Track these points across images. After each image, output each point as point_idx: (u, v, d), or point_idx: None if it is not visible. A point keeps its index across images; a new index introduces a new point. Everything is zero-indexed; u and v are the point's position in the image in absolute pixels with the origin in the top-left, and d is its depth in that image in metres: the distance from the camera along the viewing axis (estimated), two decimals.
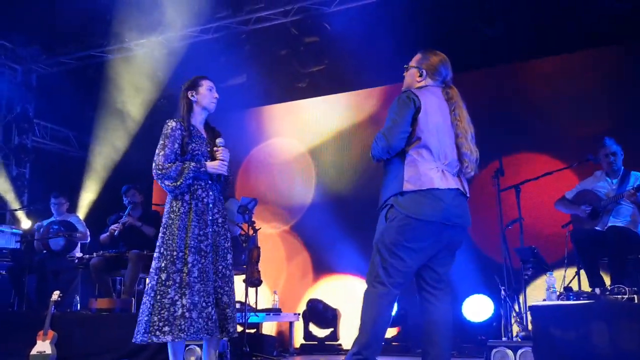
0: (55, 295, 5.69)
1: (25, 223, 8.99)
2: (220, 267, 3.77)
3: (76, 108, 9.70)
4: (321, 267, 8.33)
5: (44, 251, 6.82)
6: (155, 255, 3.68)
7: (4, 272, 7.01)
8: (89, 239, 7.12)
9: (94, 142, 9.75)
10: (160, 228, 3.71)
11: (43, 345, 5.41)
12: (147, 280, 3.71)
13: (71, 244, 6.89)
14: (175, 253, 3.62)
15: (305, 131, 8.72)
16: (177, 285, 3.56)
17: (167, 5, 8.00)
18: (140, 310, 3.62)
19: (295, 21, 8.04)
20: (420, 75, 3.44)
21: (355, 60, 7.51)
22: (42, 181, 9.52)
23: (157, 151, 3.75)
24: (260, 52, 8.50)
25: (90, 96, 9.31)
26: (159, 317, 3.51)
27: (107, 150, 9.68)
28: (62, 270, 6.80)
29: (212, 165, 3.74)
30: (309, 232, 8.38)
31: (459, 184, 3.24)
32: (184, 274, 3.59)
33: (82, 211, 9.42)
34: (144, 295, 3.64)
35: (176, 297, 3.54)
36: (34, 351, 5.39)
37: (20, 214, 9.15)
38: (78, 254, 6.96)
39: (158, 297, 3.55)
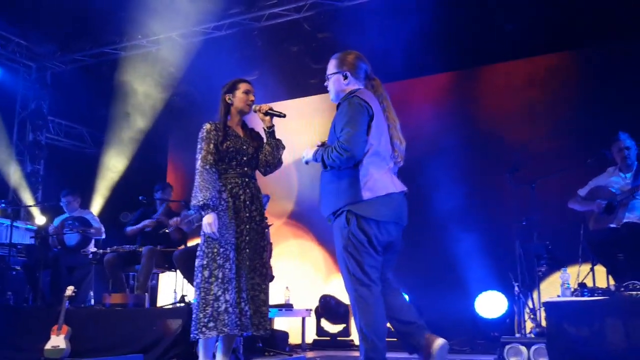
0: (70, 290, 5.71)
1: (40, 219, 9.05)
2: (257, 265, 3.86)
3: (90, 105, 9.78)
4: (334, 263, 8.33)
5: (59, 247, 6.86)
6: (198, 253, 3.78)
7: (18, 268, 7.06)
8: (103, 235, 7.14)
9: (108, 139, 9.80)
10: (202, 226, 3.77)
11: (57, 340, 5.43)
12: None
13: (86, 240, 6.91)
14: (216, 250, 3.71)
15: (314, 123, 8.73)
16: (219, 280, 3.66)
17: (180, 2, 8.01)
18: (192, 308, 3.73)
19: (308, 17, 8.03)
20: (346, 78, 3.47)
21: (369, 55, 7.48)
22: (56, 178, 9.57)
23: (196, 155, 3.86)
24: (272, 48, 8.51)
25: (104, 93, 9.36)
26: (204, 313, 3.62)
27: (121, 147, 9.72)
28: (76, 266, 6.83)
29: (208, 223, 3.71)
30: (321, 227, 8.37)
31: (403, 186, 3.38)
32: (226, 270, 3.69)
33: (95, 207, 9.47)
34: (194, 292, 3.75)
35: (219, 293, 3.64)
36: (48, 346, 5.41)
37: (35, 210, 9.22)
38: (92, 249, 6.99)
39: (203, 294, 3.66)
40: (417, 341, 3.23)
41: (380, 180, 3.26)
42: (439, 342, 3.17)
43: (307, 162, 3.50)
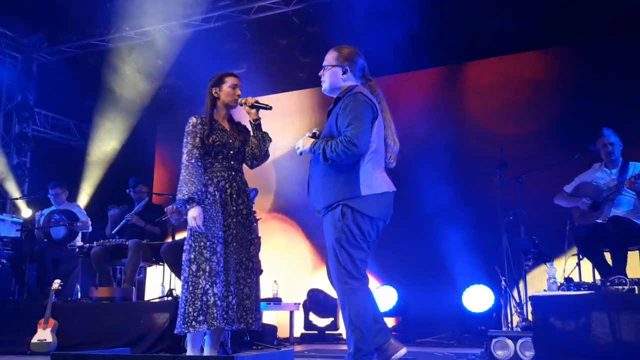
0: (56, 284, 5.69)
1: (26, 212, 8.99)
2: (243, 259, 3.86)
3: (77, 97, 9.69)
4: (321, 257, 8.34)
5: (45, 240, 6.82)
6: (185, 247, 3.77)
7: (4, 261, 7.01)
8: (90, 228, 7.10)
9: (95, 131, 9.74)
10: (187, 220, 3.77)
11: (44, 334, 5.42)
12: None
13: (72, 233, 6.87)
14: (202, 243, 3.71)
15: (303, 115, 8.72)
16: (207, 274, 3.65)
17: None
18: (179, 302, 3.72)
19: (297, 10, 8.00)
20: (344, 73, 3.49)
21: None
22: (42, 170, 9.51)
23: (183, 149, 3.85)
24: (261, 41, 8.47)
25: (91, 85, 9.30)
26: (193, 307, 3.62)
27: (108, 139, 9.67)
28: (62, 259, 6.80)
29: (193, 216, 3.70)
30: (308, 221, 8.37)
31: (393, 187, 3.43)
32: (213, 263, 3.68)
33: (82, 200, 9.42)
34: (181, 287, 3.74)
35: (207, 286, 3.64)
36: (34, 339, 5.40)
37: (21, 203, 9.16)
38: (79, 243, 6.95)
39: (191, 288, 3.66)
40: (380, 342, 3.32)
41: (378, 178, 3.33)
42: (403, 351, 3.32)
43: (301, 153, 3.50)
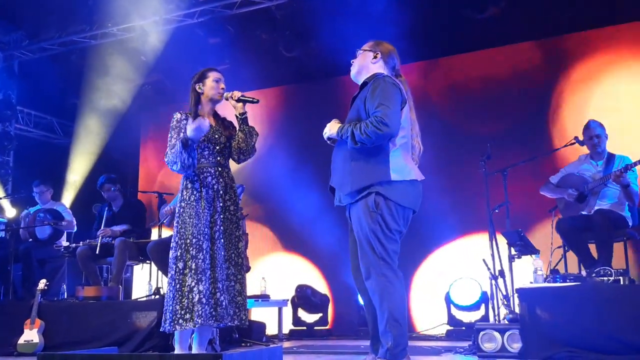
0: (42, 283, 5.66)
1: (10, 212, 8.90)
2: (232, 255, 3.83)
3: (60, 94, 9.61)
4: (311, 254, 8.35)
5: (30, 240, 6.76)
6: (171, 245, 3.74)
7: None
8: (75, 227, 7.05)
9: (78, 129, 9.66)
10: (175, 217, 3.76)
11: (30, 334, 5.38)
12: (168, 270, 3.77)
13: (57, 233, 6.82)
14: (188, 240, 3.67)
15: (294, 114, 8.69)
16: (192, 271, 3.62)
17: None
18: (165, 300, 3.69)
19: (280, 5, 7.97)
20: (375, 57, 3.50)
21: (340, 44, 7.45)
22: (26, 169, 9.42)
23: (168, 143, 3.80)
24: (244, 36, 8.42)
25: (74, 82, 9.22)
26: (180, 305, 3.59)
27: (91, 137, 9.59)
28: (48, 259, 6.75)
29: (189, 128, 3.66)
30: (298, 217, 8.36)
31: (422, 176, 3.41)
32: (199, 260, 3.64)
33: (67, 199, 9.35)
34: (167, 285, 3.71)
35: (193, 284, 3.60)
36: (21, 340, 5.36)
37: (5, 203, 9.05)
38: (64, 242, 6.90)
39: (178, 286, 3.63)
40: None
41: (407, 166, 3.30)
42: None
43: (329, 139, 3.47)
